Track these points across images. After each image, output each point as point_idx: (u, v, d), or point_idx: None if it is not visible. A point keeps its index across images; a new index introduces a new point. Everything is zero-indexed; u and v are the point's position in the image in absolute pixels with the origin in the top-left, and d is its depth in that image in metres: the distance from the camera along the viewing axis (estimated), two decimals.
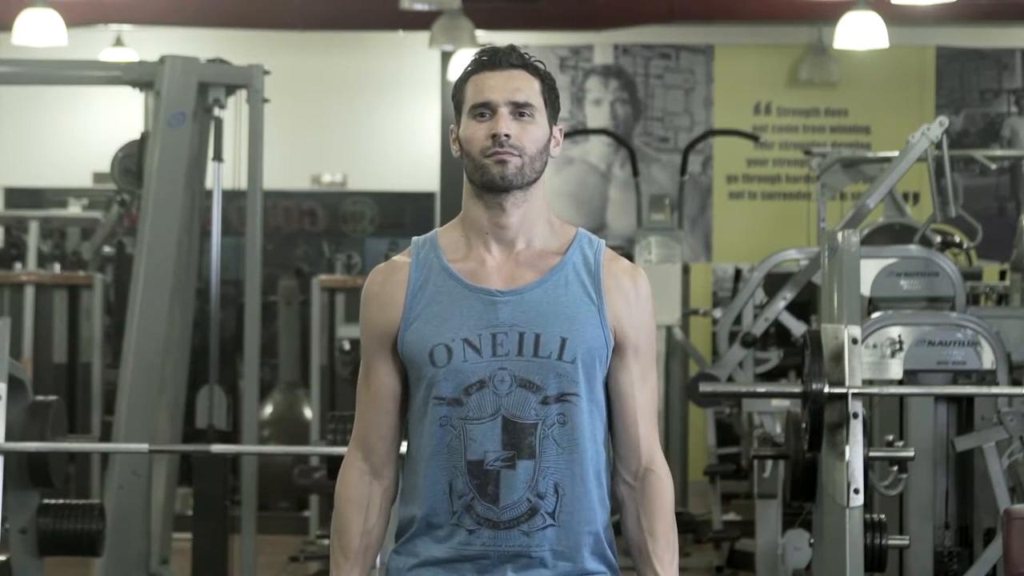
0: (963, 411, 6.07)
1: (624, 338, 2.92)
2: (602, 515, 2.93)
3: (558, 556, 2.88)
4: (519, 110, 2.89)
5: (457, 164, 2.95)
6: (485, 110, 2.89)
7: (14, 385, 5.23)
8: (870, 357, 5.90)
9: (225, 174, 7.12)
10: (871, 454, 5.19)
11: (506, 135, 2.87)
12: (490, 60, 2.91)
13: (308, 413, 10.18)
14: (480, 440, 2.86)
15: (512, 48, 2.93)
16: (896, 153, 6.52)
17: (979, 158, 9.88)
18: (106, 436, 8.81)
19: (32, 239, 9.84)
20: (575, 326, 2.88)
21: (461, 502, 2.87)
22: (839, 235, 5.35)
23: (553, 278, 2.91)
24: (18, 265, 9.77)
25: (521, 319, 2.88)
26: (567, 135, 12.11)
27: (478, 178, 2.90)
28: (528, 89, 2.90)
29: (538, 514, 2.87)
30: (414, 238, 2.99)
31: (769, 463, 6.93)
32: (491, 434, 2.86)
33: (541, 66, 2.95)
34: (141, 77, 6.96)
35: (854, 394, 5.04)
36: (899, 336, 5.95)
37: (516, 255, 2.93)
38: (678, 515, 9.25)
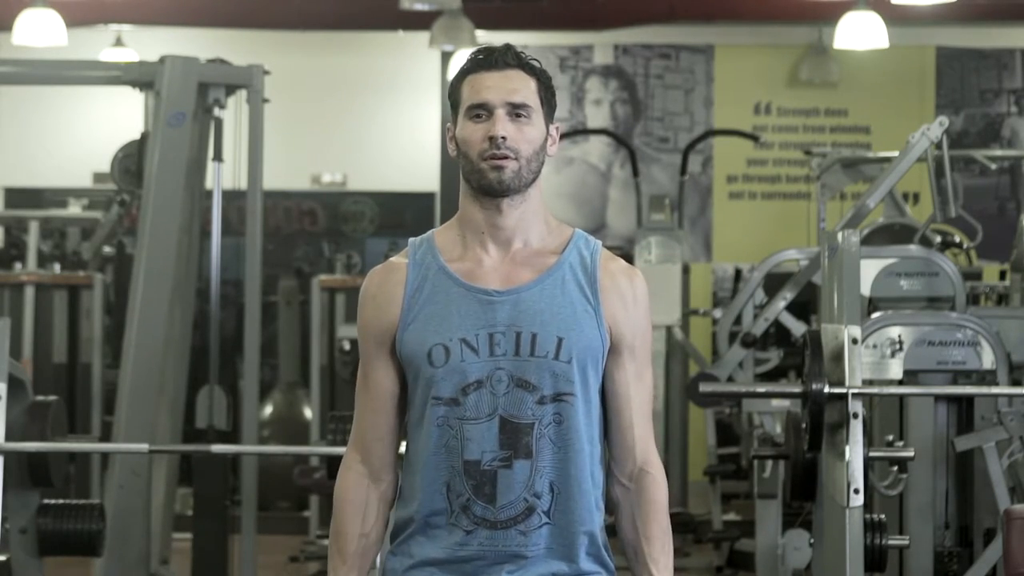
0: (963, 411, 6.07)
1: (620, 338, 2.92)
2: (597, 515, 2.93)
3: (554, 555, 2.89)
4: (516, 111, 2.89)
5: (457, 164, 2.95)
6: (482, 111, 2.89)
7: (14, 385, 5.22)
8: (870, 357, 5.90)
9: (225, 174, 7.12)
10: (871, 454, 5.19)
11: (503, 137, 2.86)
12: (486, 60, 2.90)
13: (308, 413, 10.19)
14: (477, 440, 2.86)
15: (508, 47, 2.92)
16: (896, 153, 6.52)
17: (979, 158, 9.88)
18: (106, 436, 8.81)
19: (32, 239, 9.83)
20: (571, 326, 2.89)
21: (458, 502, 2.87)
22: (839, 235, 5.35)
23: (550, 278, 2.91)
24: (18, 265, 9.77)
25: (518, 319, 2.88)
26: (567, 135, 12.12)
27: (475, 181, 2.90)
28: (525, 89, 2.90)
29: (534, 513, 2.87)
30: (411, 239, 2.99)
31: (769, 463, 6.92)
32: (488, 434, 2.86)
33: (537, 64, 2.94)
34: (141, 77, 6.96)
35: (854, 394, 5.04)
36: (899, 336, 5.95)
37: (513, 254, 2.93)
38: (678, 515, 9.31)
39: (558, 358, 2.86)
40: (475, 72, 2.91)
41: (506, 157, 2.87)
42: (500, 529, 2.87)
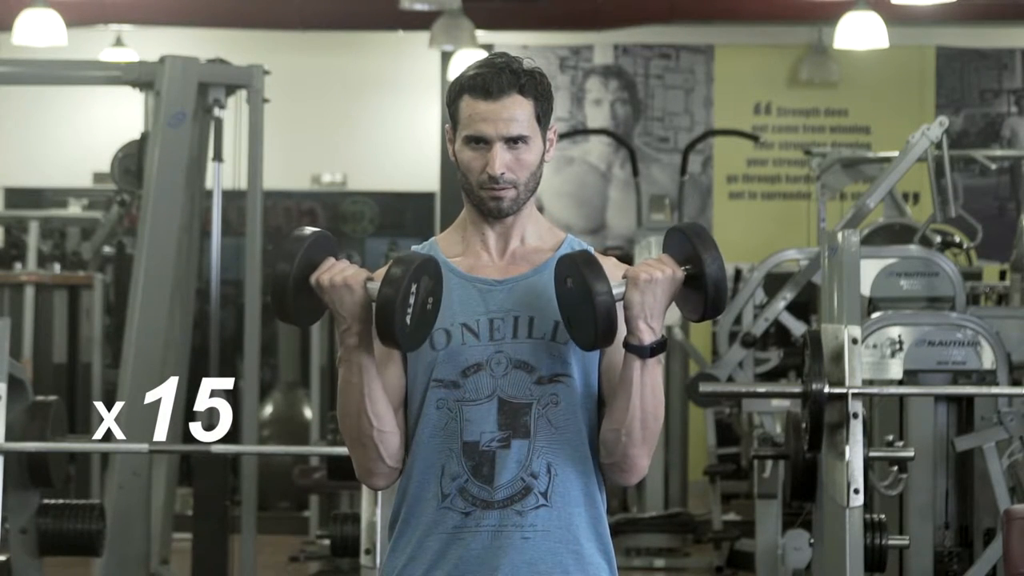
0: (963, 411, 6.08)
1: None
2: (597, 500, 2.93)
3: (551, 538, 2.89)
4: (512, 141, 2.90)
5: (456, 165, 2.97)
6: (479, 142, 2.90)
7: (14, 385, 5.23)
8: (870, 357, 5.91)
9: (225, 174, 7.12)
10: (871, 454, 5.20)
11: (501, 173, 2.89)
12: (483, 88, 2.89)
13: (308, 413, 10.19)
14: (476, 421, 2.88)
15: (504, 67, 2.91)
16: (896, 153, 6.52)
17: (979, 158, 9.88)
18: (106, 436, 8.81)
19: (32, 239, 9.84)
20: None
21: (455, 484, 2.88)
22: (839, 235, 5.35)
23: (546, 269, 2.95)
24: (18, 265, 9.77)
25: (516, 305, 2.92)
26: (568, 135, 12.14)
27: (475, 202, 2.95)
28: (521, 117, 2.90)
29: (531, 494, 2.88)
30: (413, 246, 3.03)
31: (769, 463, 6.93)
32: (487, 415, 2.88)
33: (535, 77, 2.93)
34: (141, 77, 6.96)
35: (854, 394, 5.04)
36: (899, 336, 5.95)
37: (512, 252, 2.97)
38: (678, 515, 9.29)
39: (555, 340, 2.90)
40: (472, 96, 2.90)
41: (504, 188, 2.90)
42: (497, 509, 2.87)
